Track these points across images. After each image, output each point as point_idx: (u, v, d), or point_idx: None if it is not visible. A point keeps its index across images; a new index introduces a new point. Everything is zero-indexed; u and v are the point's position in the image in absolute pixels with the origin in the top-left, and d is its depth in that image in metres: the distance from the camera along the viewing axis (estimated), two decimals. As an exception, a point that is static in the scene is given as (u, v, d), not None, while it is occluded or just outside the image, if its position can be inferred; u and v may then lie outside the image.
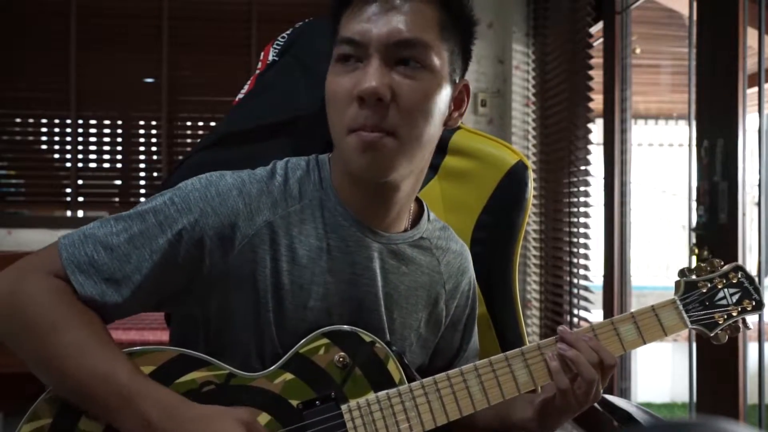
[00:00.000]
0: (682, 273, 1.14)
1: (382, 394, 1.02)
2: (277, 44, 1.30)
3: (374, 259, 1.07)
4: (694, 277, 1.14)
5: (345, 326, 1.04)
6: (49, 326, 0.95)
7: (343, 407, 1.01)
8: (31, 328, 0.95)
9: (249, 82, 1.30)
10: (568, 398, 1.05)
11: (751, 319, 1.15)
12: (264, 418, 0.99)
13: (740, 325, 1.13)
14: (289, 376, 1.01)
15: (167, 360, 0.99)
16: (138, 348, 1.00)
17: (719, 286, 1.13)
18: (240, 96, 1.29)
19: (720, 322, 1.12)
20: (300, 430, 1.00)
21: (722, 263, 1.15)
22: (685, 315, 1.11)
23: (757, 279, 1.16)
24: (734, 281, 1.13)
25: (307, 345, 1.02)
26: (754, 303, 1.13)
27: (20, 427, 0.97)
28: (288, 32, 1.32)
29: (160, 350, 1.00)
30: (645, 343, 1.10)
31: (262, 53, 1.33)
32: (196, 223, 0.99)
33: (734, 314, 1.12)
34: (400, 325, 1.11)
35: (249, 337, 1.03)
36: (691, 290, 1.12)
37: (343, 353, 1.02)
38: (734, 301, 1.12)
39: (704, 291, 1.12)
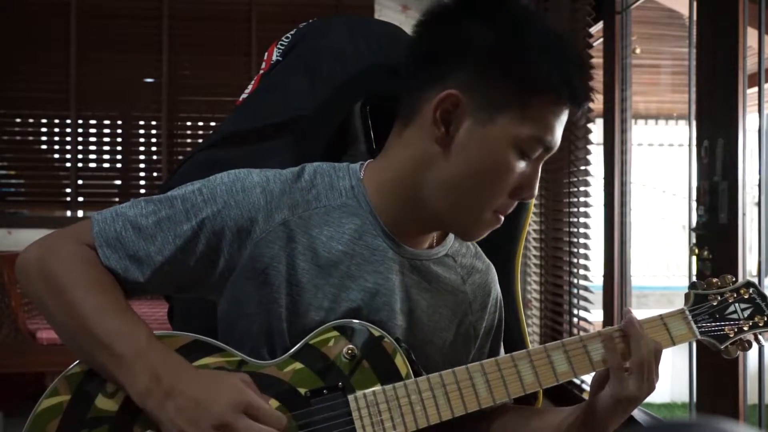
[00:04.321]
0: (692, 286, 1.13)
1: (388, 386, 1.04)
2: (281, 44, 1.31)
3: (396, 272, 1.08)
4: (704, 290, 1.13)
5: (355, 320, 1.06)
6: (76, 285, 1.01)
7: (350, 397, 1.03)
8: (59, 285, 1.01)
9: (253, 82, 1.30)
10: (624, 384, 1.03)
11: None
12: (273, 404, 1.02)
13: (752, 340, 1.12)
14: (298, 365, 1.04)
15: (182, 345, 1.04)
16: (155, 333, 1.03)
17: (730, 300, 1.12)
18: (244, 96, 1.30)
19: (730, 336, 1.10)
20: (306, 417, 1.02)
21: (734, 279, 1.14)
22: (694, 326, 1.10)
23: (757, 280, 1.16)
24: (746, 297, 1.12)
25: (317, 336, 1.05)
26: (766, 318, 1.12)
27: (40, 402, 1.01)
28: (292, 32, 1.32)
29: (175, 335, 1.05)
30: None
31: (266, 53, 1.33)
32: (219, 214, 1.03)
33: (745, 329, 1.11)
34: (422, 342, 1.11)
35: (258, 330, 1.06)
36: (701, 302, 1.12)
37: (351, 346, 1.04)
38: (745, 316, 1.11)
39: (714, 304, 1.11)
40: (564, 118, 1.04)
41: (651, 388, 1.05)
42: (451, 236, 1.16)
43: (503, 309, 1.23)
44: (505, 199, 1.05)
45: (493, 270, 1.22)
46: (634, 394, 1.04)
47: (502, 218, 1.08)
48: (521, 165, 1.03)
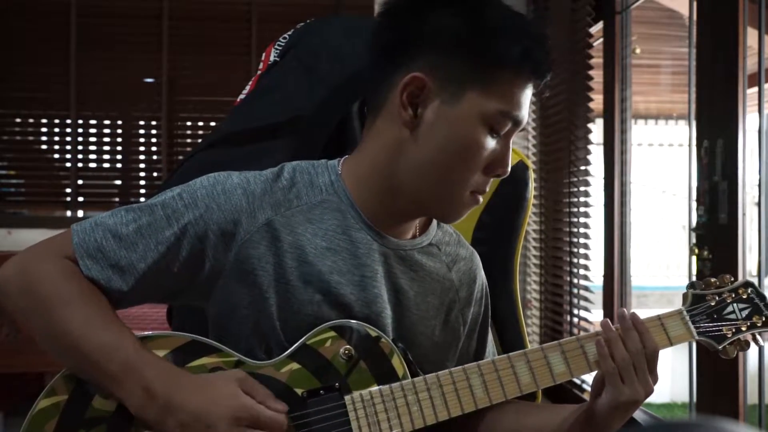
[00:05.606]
0: (691, 285, 1.14)
1: (385, 387, 1.04)
2: (279, 45, 1.31)
3: (382, 263, 1.09)
4: (702, 290, 1.13)
5: (352, 320, 1.06)
6: (60, 302, 1.00)
7: (347, 398, 1.03)
8: (42, 303, 1.00)
9: (251, 83, 1.31)
10: (618, 386, 1.03)
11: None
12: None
13: (750, 340, 1.12)
14: (295, 365, 1.04)
15: (179, 345, 1.03)
16: (151, 333, 1.03)
17: (728, 300, 1.12)
18: (242, 96, 1.30)
19: (728, 336, 1.10)
20: (303, 418, 1.02)
21: (732, 279, 1.14)
22: (691, 326, 1.10)
23: (757, 280, 1.15)
24: (744, 297, 1.12)
25: (314, 337, 1.05)
26: (764, 319, 1.12)
27: (37, 402, 1.01)
28: (289, 33, 1.33)
29: (173, 335, 1.05)
30: None
31: (264, 54, 1.33)
32: (201, 218, 1.03)
33: (743, 329, 1.11)
34: (410, 332, 1.12)
35: (250, 331, 1.06)
36: (699, 302, 1.12)
37: (348, 346, 1.04)
38: (743, 316, 1.12)
39: (712, 304, 1.12)
40: (528, 91, 1.06)
41: (648, 390, 1.04)
42: (434, 226, 1.17)
43: (489, 297, 1.24)
44: (479, 177, 1.06)
45: (477, 257, 1.22)
46: (632, 398, 1.03)
47: (480, 198, 1.09)
48: (491, 142, 1.05)
